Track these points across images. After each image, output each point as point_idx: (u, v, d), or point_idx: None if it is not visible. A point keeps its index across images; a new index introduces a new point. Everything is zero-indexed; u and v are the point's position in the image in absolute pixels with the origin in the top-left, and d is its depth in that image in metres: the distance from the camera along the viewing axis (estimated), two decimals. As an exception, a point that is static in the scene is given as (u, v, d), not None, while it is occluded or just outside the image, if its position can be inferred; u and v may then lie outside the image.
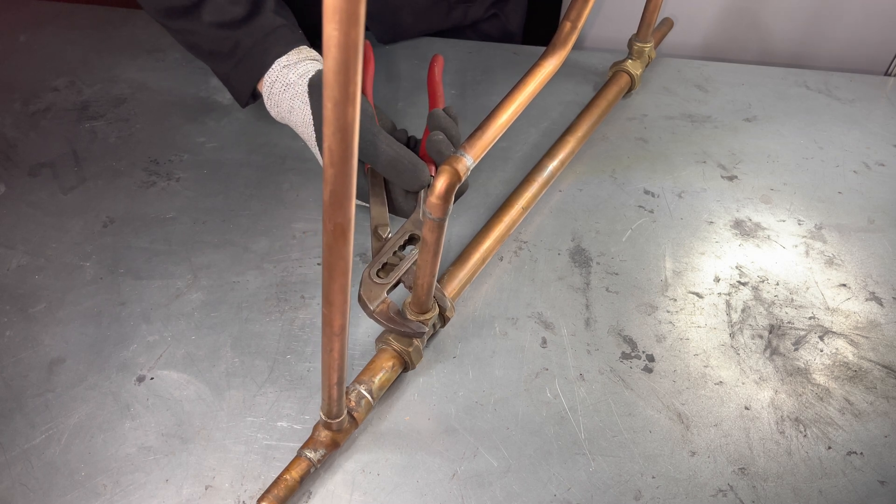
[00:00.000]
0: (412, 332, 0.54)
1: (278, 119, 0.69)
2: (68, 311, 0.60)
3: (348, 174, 0.29)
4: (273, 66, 0.66)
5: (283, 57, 0.67)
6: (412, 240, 0.58)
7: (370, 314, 0.54)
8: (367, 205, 0.61)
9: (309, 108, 0.64)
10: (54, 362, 0.57)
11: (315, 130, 0.64)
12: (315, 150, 0.65)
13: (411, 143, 0.65)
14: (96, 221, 0.67)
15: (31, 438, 0.52)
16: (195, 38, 0.70)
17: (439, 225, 0.44)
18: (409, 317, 0.54)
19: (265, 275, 0.63)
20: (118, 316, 0.60)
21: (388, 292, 0.54)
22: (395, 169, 0.59)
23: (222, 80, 0.73)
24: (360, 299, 0.54)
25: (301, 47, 0.68)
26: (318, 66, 0.66)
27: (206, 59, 0.72)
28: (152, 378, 0.56)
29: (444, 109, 0.62)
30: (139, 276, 0.63)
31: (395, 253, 0.56)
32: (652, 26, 0.79)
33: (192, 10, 0.67)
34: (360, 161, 0.62)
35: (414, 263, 0.55)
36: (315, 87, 0.64)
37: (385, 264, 0.56)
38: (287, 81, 0.65)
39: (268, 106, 0.68)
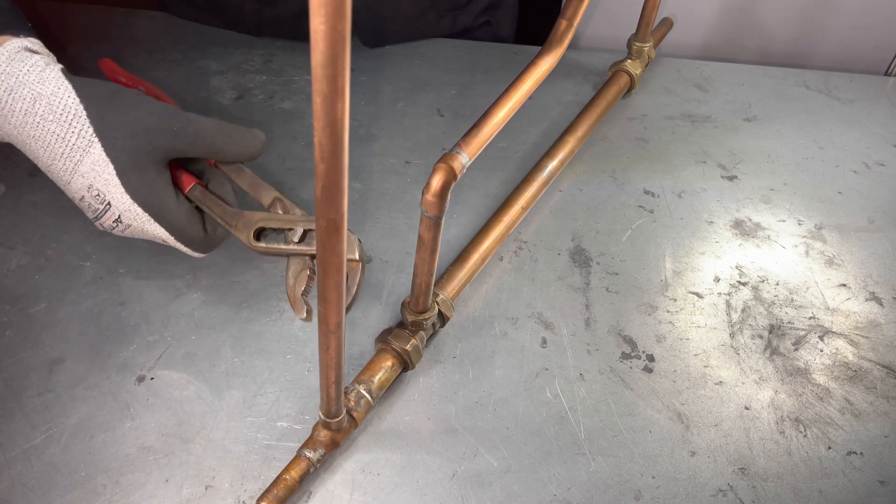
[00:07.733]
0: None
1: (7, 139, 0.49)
2: (68, 311, 0.60)
3: (339, 169, 0.29)
4: None
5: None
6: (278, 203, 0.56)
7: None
8: (232, 228, 0.56)
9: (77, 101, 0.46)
10: (54, 362, 0.57)
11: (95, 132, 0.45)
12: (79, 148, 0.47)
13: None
14: (96, 221, 0.67)
15: (31, 438, 0.52)
16: None
17: (436, 223, 0.44)
18: (408, 318, 0.54)
19: (265, 275, 0.63)
20: (118, 316, 0.60)
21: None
22: (225, 134, 0.50)
23: None
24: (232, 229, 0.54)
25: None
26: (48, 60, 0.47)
27: None
28: (152, 378, 0.56)
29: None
30: (139, 276, 0.63)
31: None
32: (650, 26, 0.79)
33: None
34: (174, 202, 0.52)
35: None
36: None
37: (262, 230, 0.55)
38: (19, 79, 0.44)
39: None
